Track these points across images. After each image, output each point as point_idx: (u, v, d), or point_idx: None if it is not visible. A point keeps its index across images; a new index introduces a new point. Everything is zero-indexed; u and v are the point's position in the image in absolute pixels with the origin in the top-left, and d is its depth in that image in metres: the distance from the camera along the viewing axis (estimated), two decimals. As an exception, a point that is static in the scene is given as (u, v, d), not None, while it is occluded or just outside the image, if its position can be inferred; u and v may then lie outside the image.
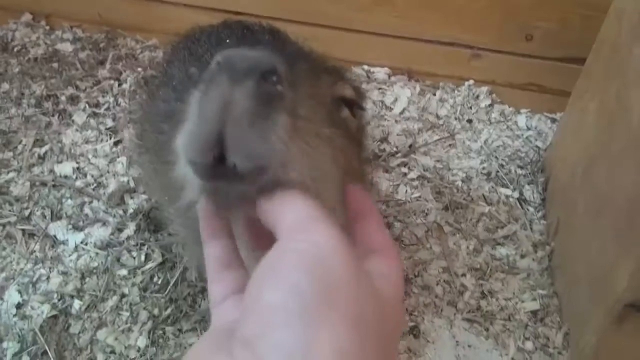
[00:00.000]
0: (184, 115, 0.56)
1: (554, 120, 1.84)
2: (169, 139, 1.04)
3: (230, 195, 0.55)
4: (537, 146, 1.75)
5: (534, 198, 1.59)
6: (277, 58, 0.53)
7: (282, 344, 0.38)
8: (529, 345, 1.27)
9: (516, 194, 1.59)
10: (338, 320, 0.39)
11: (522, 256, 1.44)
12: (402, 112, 1.83)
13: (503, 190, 1.60)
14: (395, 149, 1.71)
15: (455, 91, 1.91)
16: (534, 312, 1.33)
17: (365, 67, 1.96)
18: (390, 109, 1.84)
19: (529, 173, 1.66)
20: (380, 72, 1.94)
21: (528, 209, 1.56)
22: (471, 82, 1.90)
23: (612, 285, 1.08)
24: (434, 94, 1.90)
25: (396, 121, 1.80)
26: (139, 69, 1.92)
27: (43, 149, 1.64)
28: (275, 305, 0.40)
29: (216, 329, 0.53)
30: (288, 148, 0.52)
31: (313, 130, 0.57)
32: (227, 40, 1.14)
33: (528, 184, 1.62)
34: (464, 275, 1.40)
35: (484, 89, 1.88)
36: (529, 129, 1.82)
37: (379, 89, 1.90)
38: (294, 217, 0.49)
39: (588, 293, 1.20)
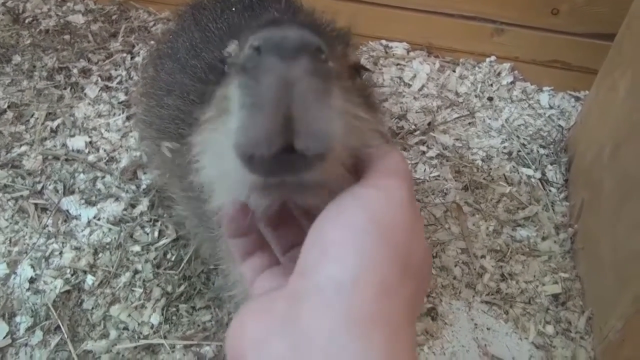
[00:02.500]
0: (219, 110, 0.52)
1: (577, 99, 1.78)
2: (172, 114, 1.02)
3: (284, 189, 0.50)
4: (560, 125, 1.69)
5: (556, 179, 1.54)
6: (314, 34, 0.48)
7: (335, 275, 0.43)
8: (549, 329, 1.24)
9: (538, 174, 1.54)
10: (387, 260, 0.44)
11: (544, 238, 1.40)
12: (420, 89, 1.78)
13: (524, 170, 1.56)
14: (413, 126, 1.67)
15: (476, 68, 1.85)
16: (556, 296, 1.29)
17: (384, 42, 1.91)
18: (409, 86, 1.79)
19: (552, 153, 1.61)
20: (399, 47, 1.89)
21: (550, 190, 1.52)
22: (493, 58, 1.84)
23: (640, 270, 1.04)
24: (454, 71, 1.84)
25: (415, 98, 1.75)
26: (152, 42, 1.88)
27: (55, 123, 1.62)
28: (334, 241, 0.45)
29: (258, 296, 0.52)
30: (347, 122, 0.49)
31: (356, 101, 0.54)
32: (234, 9, 1.10)
33: (550, 164, 1.57)
34: (483, 257, 1.36)
35: (506, 65, 1.82)
36: (551, 107, 1.76)
37: (397, 64, 1.85)
38: (383, 165, 0.51)
39: (614, 277, 1.16)
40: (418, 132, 1.65)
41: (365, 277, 0.43)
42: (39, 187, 1.45)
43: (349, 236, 0.45)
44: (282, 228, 0.58)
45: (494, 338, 1.23)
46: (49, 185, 1.46)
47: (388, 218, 0.46)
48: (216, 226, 0.80)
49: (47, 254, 1.32)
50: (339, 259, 0.44)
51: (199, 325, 1.21)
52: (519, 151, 1.61)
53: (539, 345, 1.21)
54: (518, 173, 1.55)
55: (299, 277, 0.45)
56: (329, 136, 0.46)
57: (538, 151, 1.61)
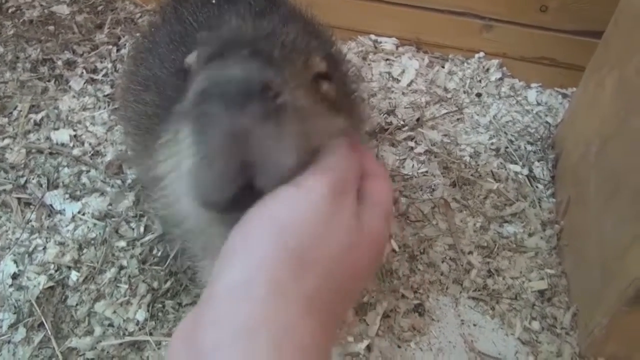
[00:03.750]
0: (170, 151, 0.52)
1: (565, 96, 1.79)
2: (150, 111, 0.99)
3: (244, 207, 0.50)
4: (547, 122, 1.70)
5: (543, 175, 1.54)
6: (263, 68, 0.48)
7: (228, 281, 0.43)
8: (535, 325, 1.24)
9: (525, 171, 1.55)
10: (277, 258, 0.43)
11: (530, 234, 1.41)
12: (409, 85, 1.78)
13: (512, 166, 1.56)
14: (402, 122, 1.66)
15: (465, 63, 1.85)
16: (542, 292, 1.30)
17: (373, 36, 1.90)
18: (398, 81, 1.79)
19: (539, 149, 1.61)
20: (388, 43, 1.88)
21: (537, 187, 1.52)
22: (481, 54, 1.84)
23: (626, 267, 1.05)
24: (443, 66, 1.84)
25: (403, 94, 1.75)
26: (138, 34, 1.85)
27: (39, 116, 1.59)
28: (235, 246, 0.45)
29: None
30: (303, 147, 0.50)
31: (317, 111, 0.55)
32: (213, 1, 1.07)
33: (538, 161, 1.58)
34: (470, 253, 1.37)
35: (495, 61, 1.82)
36: (539, 104, 1.77)
37: (386, 59, 1.84)
38: (317, 163, 0.51)
39: (599, 274, 1.16)
40: (406, 127, 1.64)
41: (256, 277, 0.42)
42: (22, 181, 1.43)
43: (247, 239, 0.45)
44: None
45: (481, 334, 1.24)
46: (33, 179, 1.44)
47: (290, 215, 0.46)
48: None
49: (31, 249, 1.30)
50: (234, 263, 0.44)
51: (185, 322, 1.20)
52: (507, 147, 1.61)
53: (525, 341, 1.22)
54: (505, 169, 1.56)
55: (207, 289, 0.46)
56: (286, 168, 0.47)
57: (525, 148, 1.62)
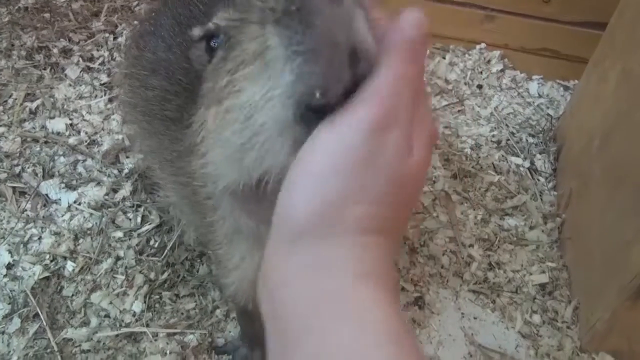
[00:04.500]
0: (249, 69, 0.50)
1: (567, 88, 1.77)
2: (159, 95, 0.97)
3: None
4: (549, 114, 1.68)
5: (545, 168, 1.53)
6: None
7: (283, 203, 0.48)
8: (536, 318, 1.24)
9: (527, 164, 1.53)
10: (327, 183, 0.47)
11: (532, 227, 1.40)
12: (410, 76, 1.76)
13: (513, 159, 1.55)
14: (402, 113, 1.64)
15: (466, 55, 1.83)
16: (543, 285, 1.29)
17: (373, 27, 1.87)
18: (398, 72, 1.76)
19: (541, 142, 1.60)
20: (389, 33, 1.86)
21: (539, 179, 1.51)
22: (483, 45, 1.82)
23: (629, 261, 1.04)
24: (444, 57, 1.82)
25: (404, 84, 1.73)
26: (135, 22, 1.82)
27: (34, 104, 1.56)
28: (294, 176, 0.48)
29: None
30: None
31: None
32: None
33: (539, 154, 1.56)
34: (471, 245, 1.35)
35: (496, 53, 1.81)
36: (540, 96, 1.75)
37: (387, 50, 1.82)
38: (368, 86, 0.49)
39: (601, 267, 1.15)
40: None
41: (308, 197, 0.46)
42: (17, 170, 1.40)
43: (305, 168, 0.47)
44: None
45: (481, 327, 1.23)
46: (28, 168, 1.41)
47: (330, 161, 0.47)
48: (212, 210, 0.77)
49: (26, 239, 1.28)
50: (294, 188, 0.47)
51: (182, 314, 1.19)
52: (508, 140, 1.60)
53: (526, 335, 1.21)
54: (507, 162, 1.54)
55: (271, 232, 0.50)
56: (375, 52, 0.47)
57: (527, 140, 1.60)
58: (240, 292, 0.85)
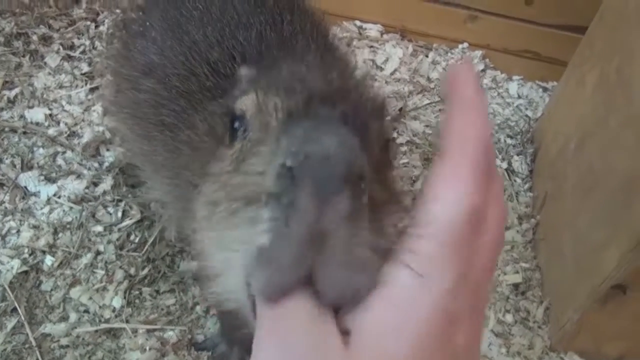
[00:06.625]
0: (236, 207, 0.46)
1: (545, 90, 1.80)
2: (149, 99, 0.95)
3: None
4: (527, 115, 1.71)
5: (522, 169, 1.56)
6: (358, 150, 0.42)
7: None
8: (509, 317, 1.27)
9: (505, 165, 1.56)
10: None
11: (507, 228, 1.43)
12: (393, 73, 1.77)
13: (492, 159, 1.57)
14: (384, 111, 1.66)
15: (449, 54, 1.84)
16: (516, 285, 1.33)
17: (358, 22, 1.88)
18: (381, 69, 1.78)
19: (518, 143, 1.63)
20: (373, 29, 1.86)
21: (515, 180, 1.54)
22: (465, 45, 1.84)
23: (600, 264, 1.07)
24: (427, 56, 1.83)
25: (386, 82, 1.74)
26: (118, 11, 1.79)
27: (13, 92, 1.54)
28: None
29: None
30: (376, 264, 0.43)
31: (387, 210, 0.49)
32: None
33: (517, 155, 1.59)
34: (448, 244, 1.38)
35: (478, 53, 1.83)
36: (519, 97, 1.78)
37: (371, 47, 1.83)
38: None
39: (573, 269, 1.19)
40: (389, 117, 1.64)
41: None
42: (-6, 161, 1.39)
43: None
44: None
45: (456, 325, 1.25)
46: (6, 159, 1.40)
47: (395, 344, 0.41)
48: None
49: (4, 232, 1.27)
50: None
51: (162, 309, 1.20)
52: (487, 140, 1.62)
53: (498, 333, 1.25)
54: (485, 162, 1.57)
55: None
56: (353, 290, 0.42)
57: (505, 141, 1.63)
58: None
